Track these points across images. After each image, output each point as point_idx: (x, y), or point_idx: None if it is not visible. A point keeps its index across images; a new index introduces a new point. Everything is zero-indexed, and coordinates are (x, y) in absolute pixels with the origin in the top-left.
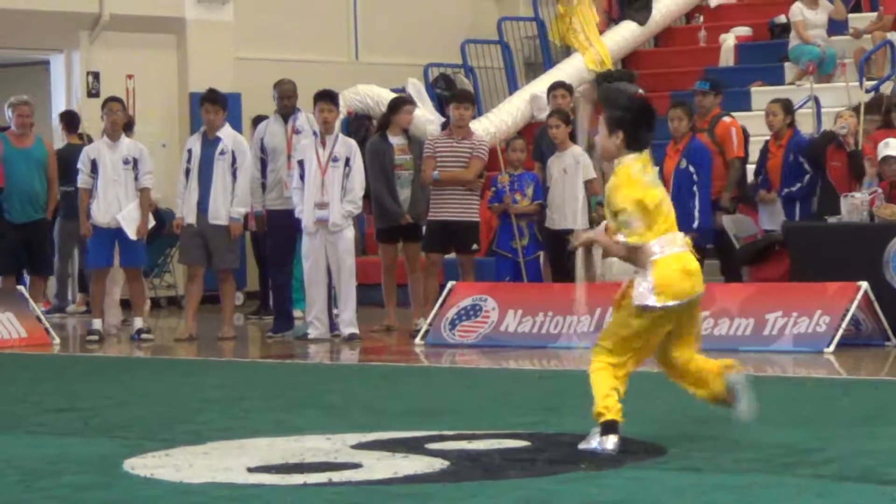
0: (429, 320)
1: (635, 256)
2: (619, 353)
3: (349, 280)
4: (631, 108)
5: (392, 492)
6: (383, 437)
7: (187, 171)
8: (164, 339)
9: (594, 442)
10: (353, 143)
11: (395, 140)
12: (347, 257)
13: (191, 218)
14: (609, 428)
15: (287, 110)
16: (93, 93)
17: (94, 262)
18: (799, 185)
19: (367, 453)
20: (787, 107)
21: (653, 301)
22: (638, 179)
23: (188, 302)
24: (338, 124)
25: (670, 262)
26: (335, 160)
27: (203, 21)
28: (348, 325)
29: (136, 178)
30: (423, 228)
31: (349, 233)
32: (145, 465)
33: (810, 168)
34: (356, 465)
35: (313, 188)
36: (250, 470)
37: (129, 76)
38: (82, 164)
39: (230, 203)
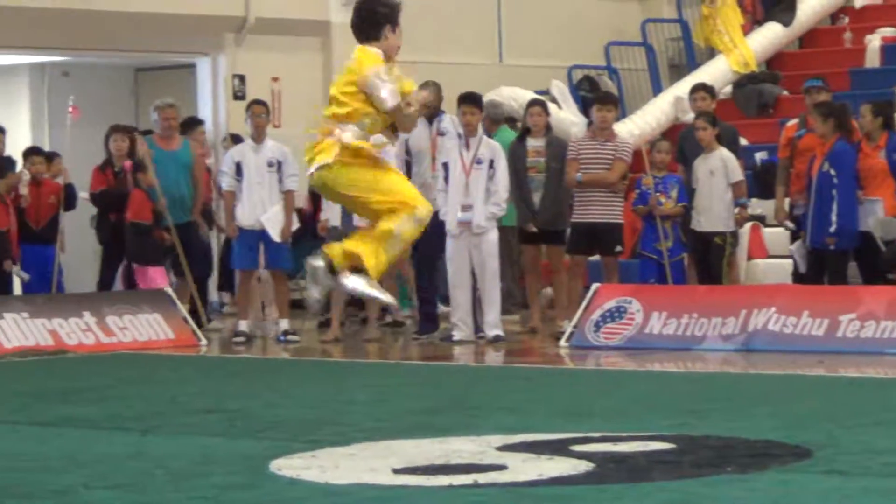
0: (573, 322)
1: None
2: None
3: (493, 282)
4: (387, 4)
5: (537, 493)
6: (528, 439)
7: None
8: (310, 341)
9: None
10: (497, 145)
11: (533, 142)
12: (491, 259)
13: (335, 221)
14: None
15: (431, 113)
16: (238, 95)
17: (239, 263)
18: None
19: (513, 455)
20: (879, 109)
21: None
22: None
23: (334, 304)
24: (481, 127)
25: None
26: (479, 162)
27: (348, 24)
28: (493, 327)
29: (280, 181)
30: (567, 230)
31: (493, 235)
32: (291, 466)
33: None
34: (501, 467)
35: (457, 190)
36: (396, 471)
37: (275, 79)
38: (227, 167)
39: None
